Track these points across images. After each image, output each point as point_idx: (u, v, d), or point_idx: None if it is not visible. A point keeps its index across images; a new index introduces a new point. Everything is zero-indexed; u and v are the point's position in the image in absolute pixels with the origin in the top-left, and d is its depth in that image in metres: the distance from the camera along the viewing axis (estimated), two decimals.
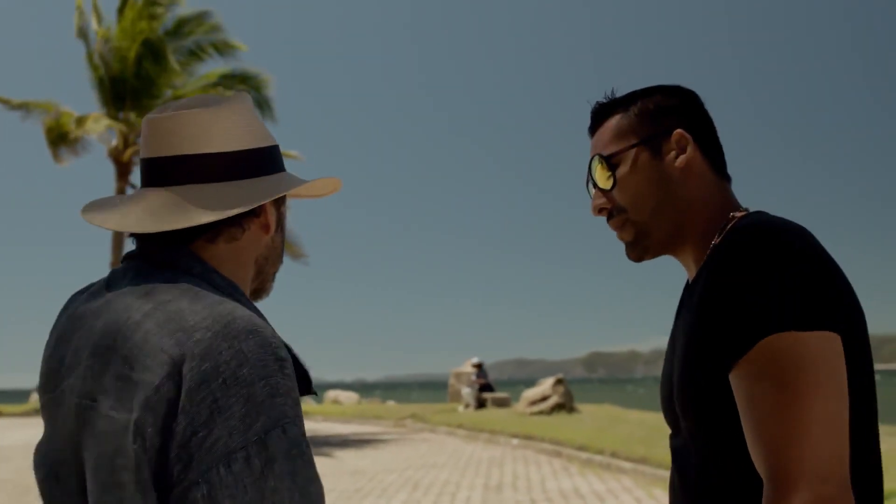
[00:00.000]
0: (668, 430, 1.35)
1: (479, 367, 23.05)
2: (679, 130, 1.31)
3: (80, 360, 1.00)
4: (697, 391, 1.19)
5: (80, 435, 0.97)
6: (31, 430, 19.01)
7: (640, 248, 1.34)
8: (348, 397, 31.67)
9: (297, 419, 0.93)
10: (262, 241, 1.16)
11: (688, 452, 1.25)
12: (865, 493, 1.15)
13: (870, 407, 1.18)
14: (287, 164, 1.27)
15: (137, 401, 0.91)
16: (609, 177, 1.33)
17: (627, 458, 10.57)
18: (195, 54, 19.28)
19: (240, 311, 0.96)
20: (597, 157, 1.35)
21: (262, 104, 19.10)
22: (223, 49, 19.33)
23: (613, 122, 1.36)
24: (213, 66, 19.65)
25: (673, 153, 1.31)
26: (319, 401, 30.69)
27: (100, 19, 18.75)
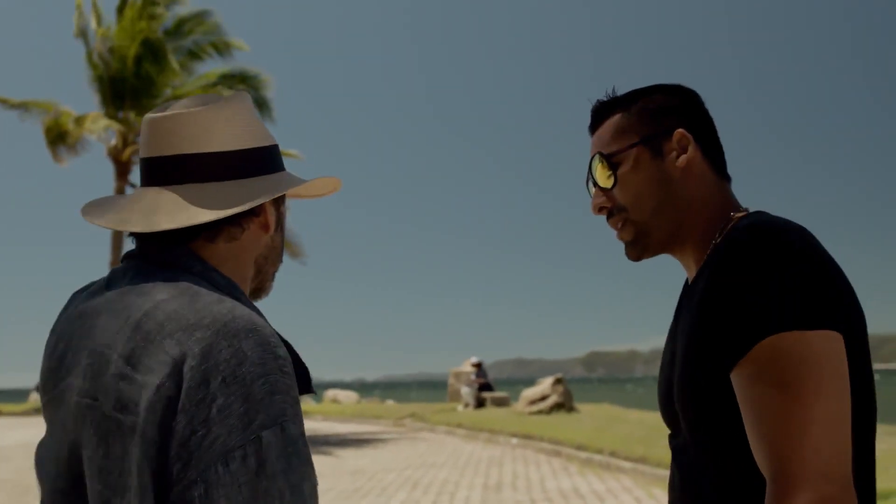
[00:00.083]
0: (668, 430, 1.35)
1: (478, 366, 23.07)
2: (680, 130, 1.31)
3: (80, 359, 1.01)
4: (698, 391, 1.19)
5: (80, 434, 0.97)
6: (31, 430, 19.01)
7: (639, 248, 1.34)
8: (347, 397, 31.66)
9: (296, 417, 0.93)
10: (261, 240, 1.16)
11: (688, 452, 1.25)
12: (863, 493, 1.16)
13: (869, 406, 1.18)
14: (287, 163, 1.27)
15: (141, 403, 0.91)
16: (610, 176, 1.33)
17: (627, 458, 10.57)
18: (194, 54, 19.30)
19: (239, 309, 0.97)
20: (597, 156, 1.35)
21: (262, 104, 19.09)
22: (223, 49, 19.34)
23: (614, 120, 1.35)
24: (213, 66, 19.68)
25: (674, 153, 1.31)
26: (319, 400, 30.70)
27: (99, 19, 18.76)
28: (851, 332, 1.14)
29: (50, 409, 1.05)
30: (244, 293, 1.10)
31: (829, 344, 1.09)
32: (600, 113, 1.39)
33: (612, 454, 10.97)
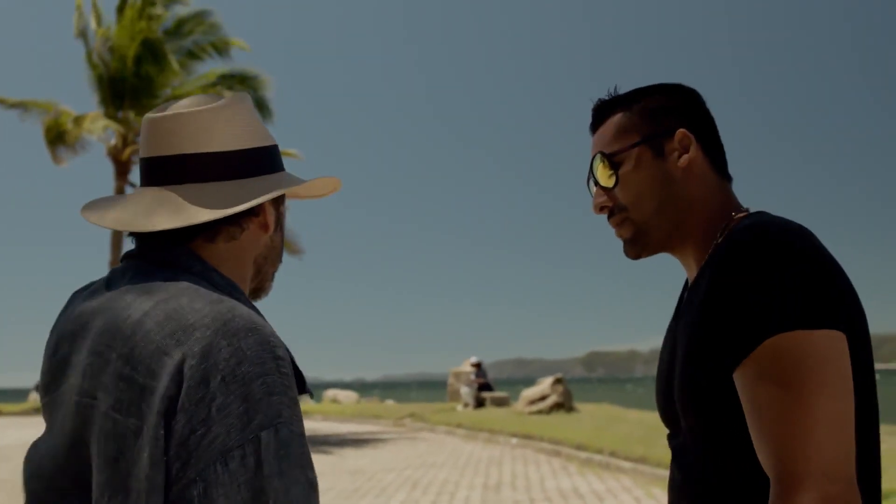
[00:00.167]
0: (667, 430, 1.35)
1: (477, 366, 23.07)
2: (682, 130, 1.31)
3: (80, 359, 1.01)
4: (700, 390, 1.19)
5: (80, 433, 0.97)
6: (31, 430, 19.01)
7: (638, 246, 1.34)
8: (347, 396, 31.65)
9: (293, 418, 0.93)
10: (261, 240, 1.16)
11: (688, 452, 1.25)
12: (867, 492, 1.15)
13: (871, 406, 1.18)
14: (286, 162, 1.27)
15: (140, 403, 0.91)
16: (611, 175, 1.33)
17: (626, 458, 10.57)
18: (194, 54, 19.28)
19: (239, 309, 0.97)
20: (599, 156, 1.34)
21: (261, 105, 19.08)
22: (222, 49, 19.33)
23: (615, 120, 1.35)
24: (212, 66, 19.67)
25: (675, 153, 1.31)
26: (318, 400, 30.70)
27: (99, 19, 18.76)
28: (853, 331, 1.13)
29: (50, 408, 1.05)
30: (244, 293, 1.10)
31: (832, 343, 1.09)
32: (601, 112, 1.39)
33: (612, 454, 10.97)
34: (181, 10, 19.10)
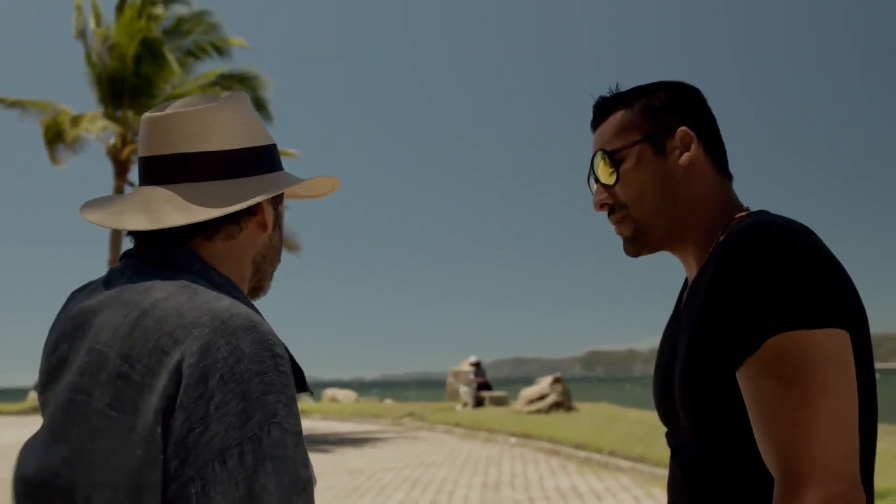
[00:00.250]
0: (666, 429, 1.35)
1: (476, 365, 23.08)
2: (683, 128, 1.31)
3: (78, 358, 1.01)
4: (701, 389, 1.18)
5: (70, 430, 0.96)
6: (30, 429, 18.94)
7: (638, 244, 1.34)
8: (346, 395, 31.65)
9: (290, 417, 0.93)
10: (259, 239, 1.16)
11: (689, 451, 1.25)
12: (865, 491, 1.16)
13: (871, 405, 1.18)
14: (285, 162, 1.27)
15: (139, 402, 0.91)
16: (612, 173, 1.33)
17: (625, 457, 10.57)
18: (193, 54, 19.28)
19: (238, 307, 0.97)
20: (600, 153, 1.34)
21: (260, 104, 19.08)
22: (222, 48, 19.33)
23: (617, 117, 1.35)
24: (212, 66, 19.67)
25: (677, 151, 1.30)
26: (317, 399, 30.70)
27: (98, 19, 18.74)
28: (855, 330, 1.13)
29: (48, 407, 1.05)
30: (242, 292, 1.10)
31: (835, 342, 1.09)
32: (602, 109, 1.38)
33: (611, 453, 10.97)
34: (180, 10, 19.12)
